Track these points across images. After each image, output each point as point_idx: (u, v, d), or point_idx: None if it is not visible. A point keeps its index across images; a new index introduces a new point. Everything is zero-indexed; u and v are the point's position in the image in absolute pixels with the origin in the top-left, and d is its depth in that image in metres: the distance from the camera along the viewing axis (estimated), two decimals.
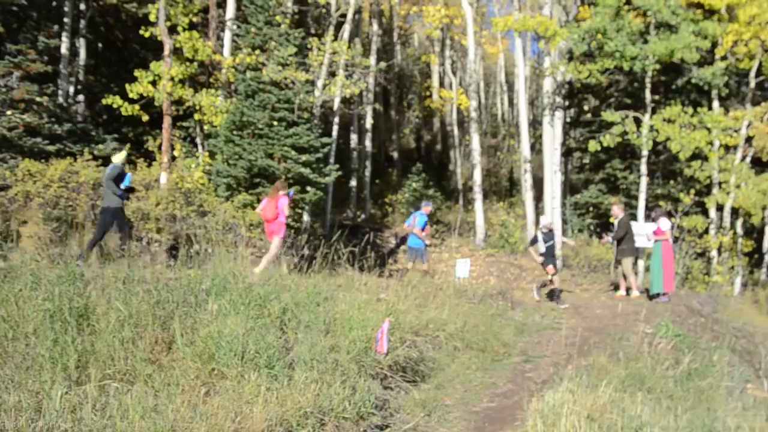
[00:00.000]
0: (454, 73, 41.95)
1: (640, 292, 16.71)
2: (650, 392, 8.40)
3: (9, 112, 18.11)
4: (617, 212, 16.56)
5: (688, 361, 9.98)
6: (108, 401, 5.44)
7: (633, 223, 17.65)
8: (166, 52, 19.60)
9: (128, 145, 15.31)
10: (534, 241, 17.33)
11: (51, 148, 18.17)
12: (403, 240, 25.52)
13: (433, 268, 22.16)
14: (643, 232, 17.70)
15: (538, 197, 27.50)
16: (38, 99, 18.69)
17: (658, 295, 15.74)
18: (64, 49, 21.77)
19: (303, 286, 9.47)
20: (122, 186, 12.96)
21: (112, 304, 7.14)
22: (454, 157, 37.28)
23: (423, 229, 17.05)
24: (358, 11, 29.72)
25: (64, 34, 21.87)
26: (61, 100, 20.97)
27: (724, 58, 22.41)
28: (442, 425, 7.60)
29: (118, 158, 13.38)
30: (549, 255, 16.68)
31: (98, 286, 7.78)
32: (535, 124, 37.46)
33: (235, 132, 18.81)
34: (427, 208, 17.82)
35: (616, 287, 17.37)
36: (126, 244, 12.05)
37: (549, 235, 16.67)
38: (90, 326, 6.77)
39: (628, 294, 16.59)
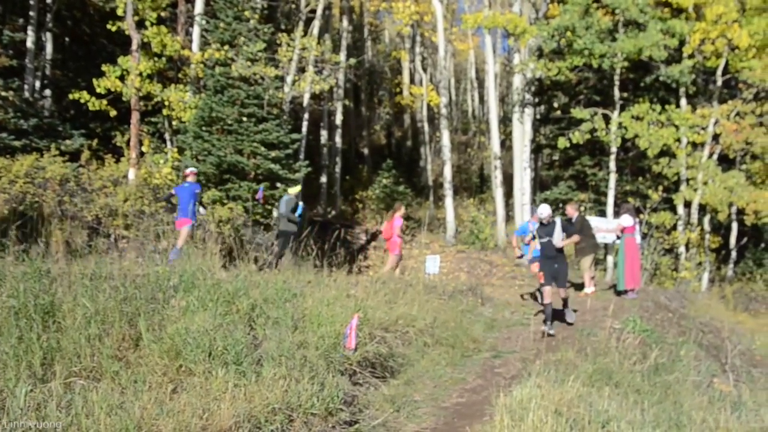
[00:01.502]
0: (425, 70, 42.01)
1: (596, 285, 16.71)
2: (618, 387, 8.47)
3: None
4: (571, 212, 16.53)
5: (655, 356, 10.07)
6: (73, 399, 5.38)
7: (599, 219, 17.73)
8: (134, 46, 19.44)
9: (299, 187, 17.16)
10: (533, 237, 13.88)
11: (17, 143, 17.93)
12: (373, 236, 25.54)
13: (402, 265, 22.21)
14: (609, 227, 17.79)
15: (509, 193, 27.66)
16: (3, 93, 18.46)
17: (625, 291, 15.82)
18: (30, 43, 21.47)
19: (272, 282, 9.43)
20: (296, 215, 15.65)
21: (78, 300, 7.06)
22: (424, 154, 37.37)
23: (521, 237, 15.25)
24: (328, 7, 29.71)
25: (29, 27, 21.57)
26: (27, 94, 20.70)
27: (691, 56, 22.63)
28: (411, 421, 7.61)
29: (294, 191, 16.06)
30: (540, 255, 13.16)
31: (64, 283, 7.68)
32: (506, 120, 37.60)
33: (204, 128, 18.73)
34: (536, 216, 14.57)
35: (579, 286, 17.37)
36: (279, 260, 14.43)
37: (546, 229, 12.81)
38: (56, 323, 6.69)
39: (580, 290, 16.64)
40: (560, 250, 12.90)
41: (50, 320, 6.71)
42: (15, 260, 8.98)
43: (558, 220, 12.97)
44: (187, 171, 14.39)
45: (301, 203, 15.83)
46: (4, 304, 6.70)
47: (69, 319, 6.70)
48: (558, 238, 12.75)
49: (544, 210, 12.96)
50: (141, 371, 6.16)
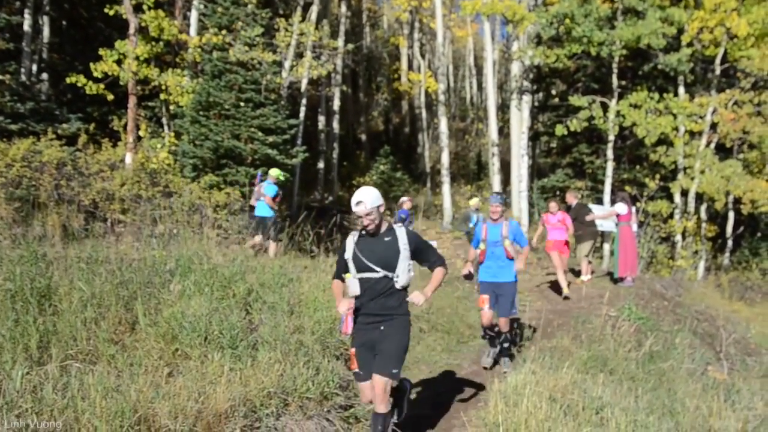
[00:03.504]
0: (423, 56, 41.93)
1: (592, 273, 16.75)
2: (612, 374, 8.51)
3: None
4: (570, 199, 16.60)
5: (650, 344, 10.12)
6: (69, 381, 5.39)
7: (594, 206, 17.76)
8: (132, 30, 19.36)
9: (475, 199, 19.11)
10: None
11: (13, 127, 17.87)
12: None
13: None
14: (602, 214, 17.78)
15: (506, 180, 27.65)
16: (0, 77, 18.38)
17: (621, 279, 15.84)
18: (26, 27, 21.33)
19: (268, 267, 9.45)
20: (470, 225, 17.69)
21: (74, 284, 7.07)
22: (422, 140, 37.33)
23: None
24: None
25: (26, 11, 21.41)
26: (23, 78, 20.60)
27: (690, 44, 22.56)
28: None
29: (473, 203, 18.37)
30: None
31: (61, 267, 7.70)
32: (504, 107, 37.53)
33: (201, 112, 18.67)
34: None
35: (577, 273, 17.41)
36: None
37: (372, 250, 5.92)
38: (52, 306, 6.71)
39: (577, 277, 16.69)
40: (398, 305, 6.02)
41: (46, 303, 6.73)
42: (12, 243, 8.99)
43: (402, 231, 6.08)
44: (402, 200, 17.52)
45: (473, 215, 17.90)
46: (1, 287, 6.72)
47: (65, 303, 6.73)
48: (404, 279, 5.97)
49: (366, 196, 5.81)
50: (137, 355, 6.19)
